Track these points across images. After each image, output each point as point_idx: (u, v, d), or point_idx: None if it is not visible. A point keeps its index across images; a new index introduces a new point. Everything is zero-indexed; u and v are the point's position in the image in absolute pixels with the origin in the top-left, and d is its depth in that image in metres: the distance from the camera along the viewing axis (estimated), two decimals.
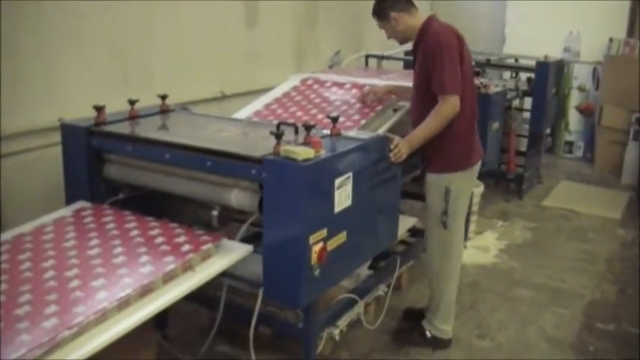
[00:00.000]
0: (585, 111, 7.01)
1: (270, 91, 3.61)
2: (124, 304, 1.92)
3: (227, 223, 2.70)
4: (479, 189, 4.53)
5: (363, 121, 3.08)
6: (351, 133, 2.69)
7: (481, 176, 4.60)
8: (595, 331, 3.41)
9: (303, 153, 2.22)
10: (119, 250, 2.24)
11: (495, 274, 4.08)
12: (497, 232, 4.79)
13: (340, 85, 3.55)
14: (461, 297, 3.45)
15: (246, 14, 4.25)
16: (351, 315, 2.90)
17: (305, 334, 2.60)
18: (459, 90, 2.80)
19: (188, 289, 2.09)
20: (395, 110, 3.28)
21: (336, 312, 2.82)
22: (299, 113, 3.24)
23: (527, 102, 5.47)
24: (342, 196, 2.39)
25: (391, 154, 2.69)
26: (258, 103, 3.44)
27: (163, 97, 3.06)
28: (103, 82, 3.24)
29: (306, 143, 2.35)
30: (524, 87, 5.37)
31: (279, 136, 2.32)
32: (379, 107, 3.23)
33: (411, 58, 5.22)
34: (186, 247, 2.25)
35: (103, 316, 1.85)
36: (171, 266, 2.12)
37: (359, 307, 2.94)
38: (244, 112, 3.34)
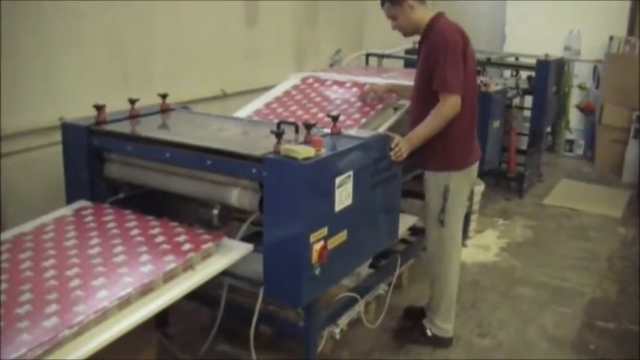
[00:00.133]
0: (586, 109, 7.01)
1: (270, 89, 3.61)
2: (124, 303, 1.92)
3: (227, 222, 2.70)
4: (479, 187, 4.53)
5: (363, 120, 3.08)
6: (352, 132, 2.69)
7: (482, 175, 4.61)
8: (596, 330, 3.41)
9: (304, 152, 2.22)
10: (120, 249, 2.24)
11: (496, 273, 4.08)
12: (497, 231, 4.79)
13: (341, 84, 3.55)
14: (461, 295, 3.45)
15: (247, 14, 4.25)
16: (351, 314, 2.90)
17: (306, 332, 2.60)
18: (461, 90, 2.80)
19: (188, 288, 2.09)
20: (395, 109, 3.28)
21: (337, 311, 2.82)
22: (299, 112, 3.24)
23: (528, 100, 5.46)
24: (343, 195, 2.39)
25: (392, 153, 2.69)
26: (258, 102, 3.44)
27: (164, 96, 3.06)
28: (103, 82, 3.24)
29: (307, 142, 2.35)
30: (524, 85, 5.37)
31: (279, 134, 2.32)
32: (380, 106, 3.23)
33: (410, 57, 5.31)
34: (186, 246, 2.25)
35: (103, 315, 1.85)
36: (172, 265, 2.12)
37: (359, 306, 2.94)
38: (245, 111, 3.34)
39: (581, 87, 6.90)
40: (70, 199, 2.74)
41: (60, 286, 2.00)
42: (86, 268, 2.11)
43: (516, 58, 5.94)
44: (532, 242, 4.62)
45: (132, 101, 2.90)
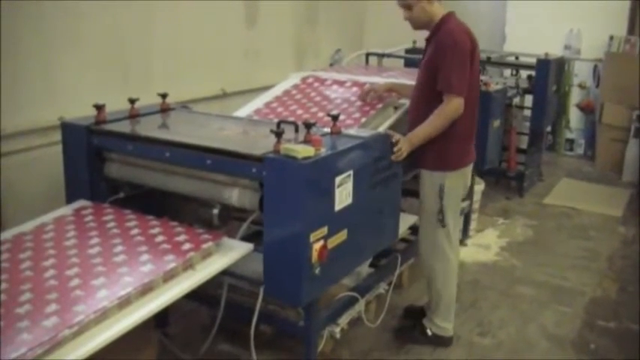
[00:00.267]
0: (586, 108, 7.01)
1: (270, 89, 3.61)
2: (124, 303, 1.92)
3: (227, 221, 2.69)
4: (480, 186, 4.53)
5: (363, 119, 3.08)
6: (352, 131, 2.69)
7: (482, 174, 4.63)
8: (596, 329, 3.41)
9: (304, 151, 2.22)
10: (119, 248, 2.24)
11: (496, 272, 4.08)
12: (498, 230, 4.79)
13: (341, 83, 3.55)
14: (461, 295, 3.45)
15: (247, 14, 4.24)
16: (351, 313, 2.90)
17: (306, 332, 2.60)
18: (465, 92, 2.80)
19: (189, 287, 2.09)
20: (395, 108, 3.28)
21: (337, 310, 2.81)
22: (299, 111, 3.24)
23: (528, 99, 5.46)
24: (343, 194, 2.39)
25: (393, 152, 2.69)
26: (258, 102, 3.44)
27: (164, 96, 3.06)
28: (103, 81, 3.24)
29: (307, 141, 2.35)
30: (524, 85, 5.37)
31: (279, 134, 2.32)
32: (380, 105, 3.23)
33: (410, 56, 5.30)
34: (186, 246, 2.25)
35: (103, 315, 1.85)
36: (172, 265, 2.12)
37: (360, 305, 2.94)
38: (245, 111, 3.34)
39: (581, 86, 6.90)
40: (70, 199, 2.74)
41: (60, 285, 2.00)
42: (86, 268, 2.11)
43: (516, 58, 5.94)
44: (532, 241, 4.62)
45: (132, 101, 2.90)
